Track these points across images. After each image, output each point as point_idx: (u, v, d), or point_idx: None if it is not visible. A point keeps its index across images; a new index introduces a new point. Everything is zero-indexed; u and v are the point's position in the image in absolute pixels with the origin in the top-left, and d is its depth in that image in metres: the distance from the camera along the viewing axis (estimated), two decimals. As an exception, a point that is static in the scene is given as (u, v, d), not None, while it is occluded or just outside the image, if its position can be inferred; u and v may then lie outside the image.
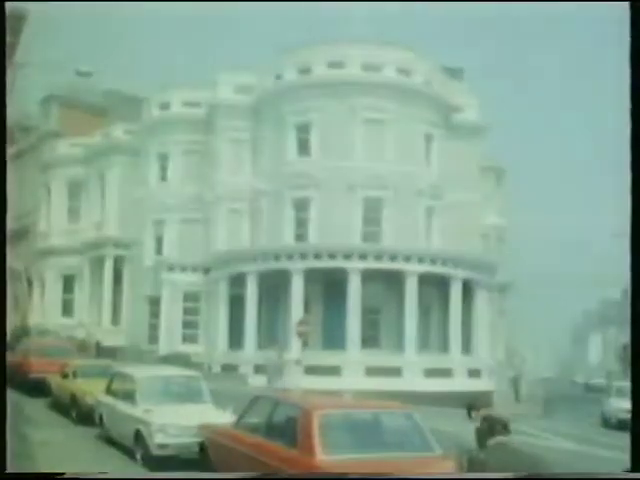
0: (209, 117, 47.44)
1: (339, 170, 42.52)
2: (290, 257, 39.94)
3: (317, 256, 39.50)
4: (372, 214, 42.83)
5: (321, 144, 43.45)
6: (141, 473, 13.37)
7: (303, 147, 43.92)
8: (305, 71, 44.44)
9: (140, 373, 16.78)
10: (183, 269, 45.74)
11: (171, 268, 45.79)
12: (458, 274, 40.61)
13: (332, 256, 39.27)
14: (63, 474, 9.19)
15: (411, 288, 39.35)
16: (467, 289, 41.39)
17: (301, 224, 43.46)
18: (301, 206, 43.51)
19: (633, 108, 9.26)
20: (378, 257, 39.32)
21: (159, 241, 49.00)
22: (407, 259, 39.40)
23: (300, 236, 43.33)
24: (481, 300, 42.31)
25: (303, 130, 43.85)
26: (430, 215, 44.68)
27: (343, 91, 43.06)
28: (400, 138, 43.39)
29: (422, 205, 44.04)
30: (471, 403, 7.77)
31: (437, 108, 45.68)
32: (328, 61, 43.93)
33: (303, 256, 39.69)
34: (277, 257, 40.42)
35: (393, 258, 39.35)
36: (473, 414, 7.21)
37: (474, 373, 40.17)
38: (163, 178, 49.53)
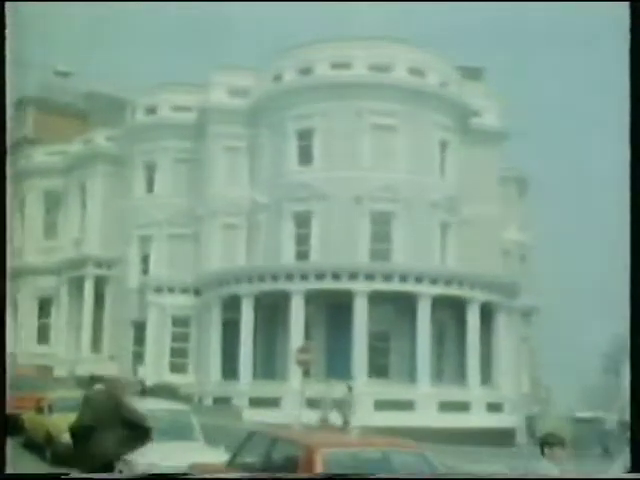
0: (201, 122, 47.57)
1: (345, 181, 42.65)
2: (290, 277, 39.96)
3: (320, 276, 39.57)
4: (381, 230, 42.88)
5: (325, 152, 43.57)
6: (142, 474, 13.41)
7: (305, 156, 44.03)
8: (307, 72, 44.56)
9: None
10: (171, 291, 45.72)
11: (158, 290, 45.78)
12: (476, 296, 40.58)
13: (336, 276, 39.34)
14: (63, 474, 9.87)
15: (424, 312, 39.31)
16: (486, 313, 41.33)
17: (302, 241, 43.49)
18: (302, 221, 43.60)
19: (633, 108, 9.76)
20: (387, 277, 39.35)
21: (145, 260, 49.04)
22: (419, 280, 39.40)
23: (301, 254, 43.36)
24: (502, 325, 42.31)
25: (305, 137, 44.01)
26: (445, 231, 44.72)
27: (349, 94, 43.16)
28: (412, 145, 43.47)
29: (436, 220, 44.07)
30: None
31: (453, 112, 45.78)
32: (332, 61, 44.03)
33: (304, 276, 39.78)
34: (275, 277, 40.39)
35: (404, 279, 39.35)
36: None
37: (494, 407, 39.91)
38: (150, 190, 49.63)
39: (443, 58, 46.12)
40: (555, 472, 9.19)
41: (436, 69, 45.32)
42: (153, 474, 12.62)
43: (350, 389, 33.77)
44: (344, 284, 39.06)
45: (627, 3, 10.18)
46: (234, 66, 48.02)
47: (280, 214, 44.03)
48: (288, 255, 43.59)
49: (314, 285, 39.38)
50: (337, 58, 44.00)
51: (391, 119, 43.52)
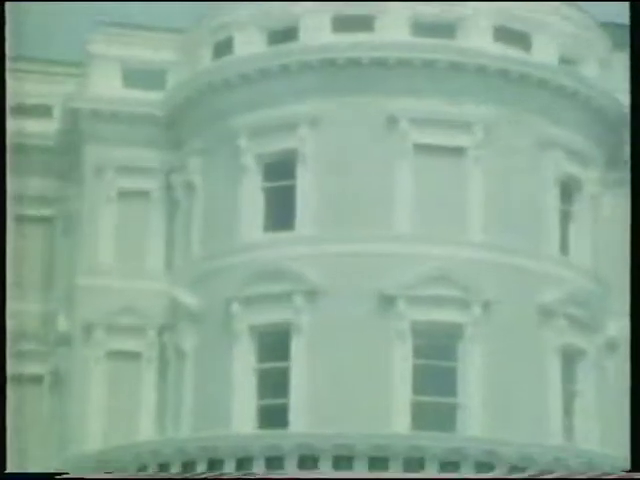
0: (69, 138, 47.70)
1: (359, 263, 42.19)
2: (246, 462, 39.37)
3: (307, 460, 38.99)
4: (433, 365, 42.60)
5: (319, 202, 43.31)
6: (141, 473, 19.25)
7: (278, 210, 43.61)
8: (284, 36, 44.76)
9: None
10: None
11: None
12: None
13: (343, 461, 38.51)
14: (63, 474, 20.98)
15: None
16: None
17: (272, 386, 43.38)
18: (273, 345, 43.74)
19: (633, 109, 19.14)
20: (449, 465, 38.53)
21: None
22: (519, 469, 38.27)
23: (271, 413, 42.65)
24: None
25: (278, 171, 44.18)
26: (571, 369, 44.14)
27: (370, 83, 42.94)
28: (499, 189, 43.45)
29: (551, 347, 43.51)
30: None
31: (591, 121, 45.59)
32: (336, 13, 43.78)
33: (276, 460, 39.21)
34: (217, 463, 39.62)
35: (485, 467, 37.82)
36: None
37: None
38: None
39: (568, 6, 45.72)
40: None
41: (554, 30, 44.94)
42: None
43: None
44: (357, 474, 38.86)
45: (627, 3, 18.22)
46: (137, 25, 48.40)
47: (228, 331, 43.80)
48: (244, 416, 43.38)
49: (297, 476, 38.79)
50: (345, 10, 43.57)
51: (458, 135, 42.87)
